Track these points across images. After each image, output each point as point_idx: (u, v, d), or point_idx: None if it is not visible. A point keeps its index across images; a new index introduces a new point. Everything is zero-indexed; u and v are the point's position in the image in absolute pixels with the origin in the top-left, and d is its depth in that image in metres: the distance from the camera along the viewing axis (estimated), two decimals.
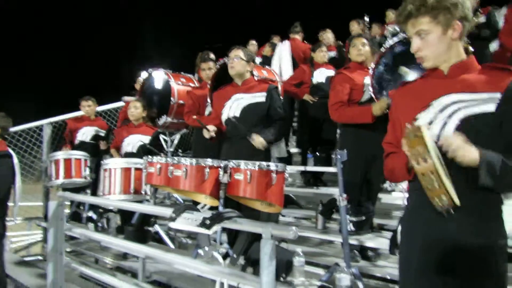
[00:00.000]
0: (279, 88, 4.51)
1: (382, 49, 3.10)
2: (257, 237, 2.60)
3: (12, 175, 3.41)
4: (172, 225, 2.01)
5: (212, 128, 3.12)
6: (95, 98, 5.35)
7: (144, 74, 5.14)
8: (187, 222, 1.93)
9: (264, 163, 2.59)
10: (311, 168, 4.70)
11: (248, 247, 2.37)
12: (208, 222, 1.85)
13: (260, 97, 3.16)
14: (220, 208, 2.78)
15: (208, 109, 4.27)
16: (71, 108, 5.61)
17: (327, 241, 3.63)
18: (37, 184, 5.60)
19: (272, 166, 2.58)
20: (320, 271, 2.96)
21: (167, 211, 2.08)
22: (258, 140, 3.01)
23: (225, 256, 2.79)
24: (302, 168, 4.88)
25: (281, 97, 4.40)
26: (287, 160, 4.92)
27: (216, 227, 1.87)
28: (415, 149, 1.25)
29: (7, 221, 3.47)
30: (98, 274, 2.60)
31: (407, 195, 1.57)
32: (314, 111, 4.72)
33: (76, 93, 5.42)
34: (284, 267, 2.39)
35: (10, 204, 3.54)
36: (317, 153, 4.71)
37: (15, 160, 3.49)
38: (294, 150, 5.64)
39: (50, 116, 5.62)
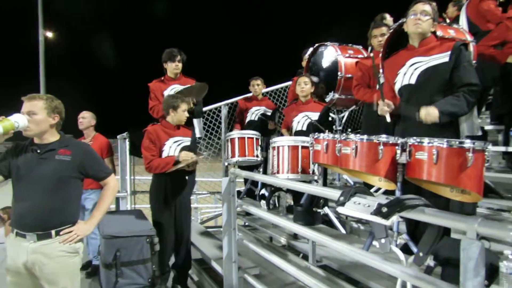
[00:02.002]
0: (471, 49, 3.67)
1: None
2: (446, 230, 2.11)
3: None
4: (341, 210, 1.74)
5: (389, 102, 2.66)
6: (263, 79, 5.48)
7: (309, 50, 4.97)
8: (358, 208, 1.64)
9: (455, 140, 2.07)
10: None
11: (436, 241, 1.91)
12: (385, 210, 1.51)
13: (443, 57, 2.53)
14: (398, 193, 2.37)
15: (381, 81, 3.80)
16: (242, 90, 5.92)
17: None
18: (220, 161, 6.15)
19: (467, 143, 2.03)
20: None
21: (335, 193, 1.83)
22: (426, 112, 2.41)
23: (403, 248, 2.39)
24: (502, 148, 3.94)
25: (474, 61, 3.61)
26: (481, 139, 4.02)
27: (395, 217, 1.51)
28: None
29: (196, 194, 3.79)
30: (266, 253, 2.55)
31: None
32: None
33: (244, 76, 5.66)
34: (487, 272, 1.83)
35: None
36: None
37: None
38: (489, 127, 4.61)
39: (226, 98, 6.08)
